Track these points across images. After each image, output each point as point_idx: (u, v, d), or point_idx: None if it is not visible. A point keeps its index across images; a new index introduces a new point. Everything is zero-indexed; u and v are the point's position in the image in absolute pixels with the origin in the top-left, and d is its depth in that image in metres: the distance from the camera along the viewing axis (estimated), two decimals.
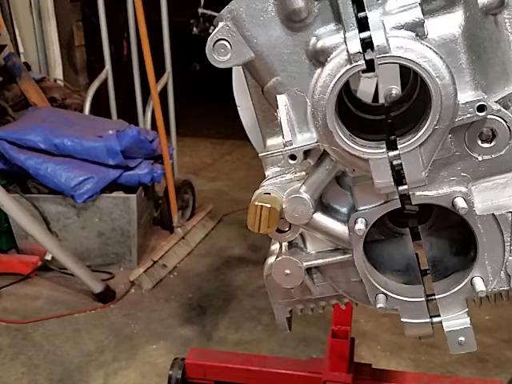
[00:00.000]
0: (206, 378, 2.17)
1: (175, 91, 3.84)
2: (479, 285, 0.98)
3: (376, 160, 0.88)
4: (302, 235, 1.05)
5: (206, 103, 6.50)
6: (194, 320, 2.84)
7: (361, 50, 0.81)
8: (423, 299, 1.03)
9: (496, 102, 0.89)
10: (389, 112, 1.02)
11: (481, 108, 0.85)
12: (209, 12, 5.36)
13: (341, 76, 0.84)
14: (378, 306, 1.03)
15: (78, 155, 3.15)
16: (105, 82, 3.82)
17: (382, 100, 1.32)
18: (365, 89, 1.50)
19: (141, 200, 3.29)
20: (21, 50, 4.56)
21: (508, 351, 2.56)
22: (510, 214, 0.94)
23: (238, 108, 1.26)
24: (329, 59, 0.85)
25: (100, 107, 3.98)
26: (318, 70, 0.87)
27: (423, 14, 0.82)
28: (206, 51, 0.89)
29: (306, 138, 0.92)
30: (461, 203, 0.93)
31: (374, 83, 1.51)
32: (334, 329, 1.94)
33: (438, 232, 1.13)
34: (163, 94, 3.66)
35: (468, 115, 0.86)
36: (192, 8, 5.40)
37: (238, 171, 4.92)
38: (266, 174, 1.01)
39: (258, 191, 0.98)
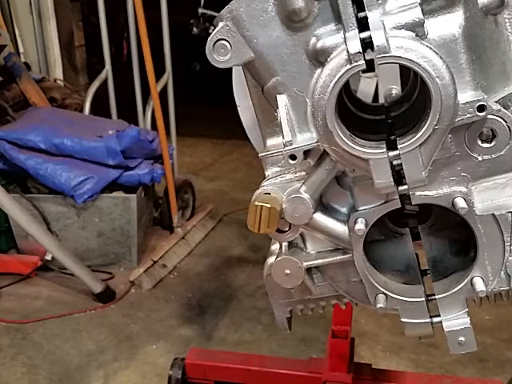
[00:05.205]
0: (206, 378, 2.17)
1: (175, 91, 3.84)
2: (479, 285, 0.98)
3: (376, 160, 0.88)
4: (302, 235, 1.05)
5: (206, 103, 6.50)
6: (194, 320, 2.84)
7: (361, 50, 0.81)
8: (423, 299, 1.03)
9: (496, 101, 0.89)
10: (389, 112, 1.02)
11: (481, 108, 0.85)
12: (209, 12, 5.37)
13: (341, 76, 0.84)
14: (378, 306, 1.03)
15: (77, 155, 3.15)
16: (105, 82, 3.82)
17: (382, 100, 1.32)
18: (365, 89, 1.50)
19: (141, 200, 3.29)
20: (21, 50, 4.57)
21: (508, 351, 2.56)
22: (509, 214, 0.94)
23: (238, 108, 1.26)
24: (329, 59, 0.85)
25: (100, 107, 3.98)
26: (318, 70, 0.87)
27: (423, 14, 0.82)
28: (206, 51, 0.89)
29: (306, 138, 0.92)
30: (461, 203, 0.92)
31: (373, 83, 1.51)
32: (334, 329, 1.94)
33: (437, 232, 1.13)
34: (163, 94, 3.66)
35: (468, 115, 0.86)
36: (192, 8, 5.41)
37: (238, 171, 4.92)
38: (266, 173, 1.01)
39: (257, 191, 0.98)
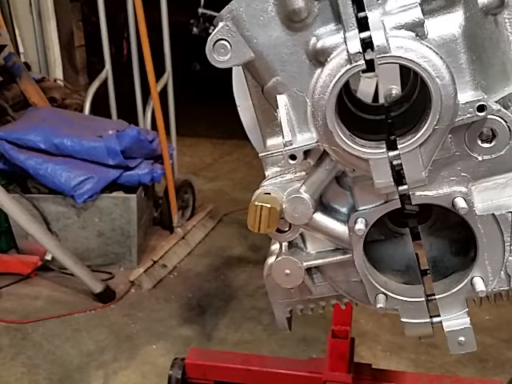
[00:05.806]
0: (206, 378, 2.17)
1: (175, 91, 3.85)
2: (479, 285, 0.98)
3: (376, 160, 0.88)
4: (301, 235, 1.05)
5: (206, 103, 6.51)
6: (194, 320, 2.83)
7: (361, 50, 0.81)
8: (423, 299, 1.03)
9: (496, 101, 0.89)
10: (389, 112, 1.02)
11: (481, 108, 0.85)
12: (209, 12, 5.37)
13: (341, 76, 0.84)
14: (378, 306, 1.03)
15: (77, 155, 3.15)
16: (105, 82, 3.82)
17: (382, 100, 1.32)
18: (365, 89, 1.50)
19: (141, 200, 3.29)
20: (21, 50, 4.57)
21: (508, 351, 2.56)
22: (509, 214, 0.94)
23: (238, 108, 1.26)
24: (329, 59, 0.85)
25: (100, 107, 3.98)
26: (318, 70, 0.87)
27: (423, 14, 0.82)
28: (206, 51, 0.89)
29: (306, 138, 0.92)
30: (461, 203, 0.93)
31: (373, 83, 1.51)
32: (334, 329, 1.94)
33: (437, 232, 1.13)
34: (163, 94, 3.66)
35: (468, 115, 0.86)
36: (192, 8, 5.41)
37: (238, 171, 4.92)
38: (266, 173, 1.01)
39: (258, 191, 0.98)
